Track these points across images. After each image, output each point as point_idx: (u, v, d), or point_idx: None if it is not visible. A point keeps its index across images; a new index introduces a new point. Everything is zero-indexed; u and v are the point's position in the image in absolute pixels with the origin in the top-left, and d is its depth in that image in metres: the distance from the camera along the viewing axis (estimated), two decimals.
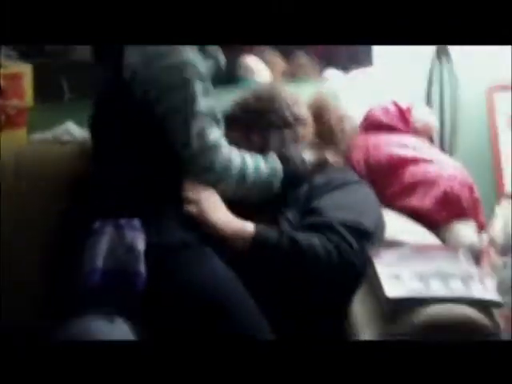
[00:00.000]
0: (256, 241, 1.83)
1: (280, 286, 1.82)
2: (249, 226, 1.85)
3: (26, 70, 2.45)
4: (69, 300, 1.71)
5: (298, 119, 2.03)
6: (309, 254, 1.78)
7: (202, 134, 1.80)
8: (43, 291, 1.80)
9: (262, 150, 1.98)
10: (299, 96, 2.08)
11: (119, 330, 1.63)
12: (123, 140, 1.84)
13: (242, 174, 1.85)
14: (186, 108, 1.80)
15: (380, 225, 1.95)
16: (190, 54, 1.83)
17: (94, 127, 1.98)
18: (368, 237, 1.84)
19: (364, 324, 1.64)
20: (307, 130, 2.05)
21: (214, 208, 1.86)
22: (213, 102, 1.85)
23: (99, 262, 1.67)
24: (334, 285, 1.81)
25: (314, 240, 1.80)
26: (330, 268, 1.78)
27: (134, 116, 1.83)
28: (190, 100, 1.80)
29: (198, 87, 1.80)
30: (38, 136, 2.41)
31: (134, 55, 1.84)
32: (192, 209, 1.83)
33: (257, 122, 2.01)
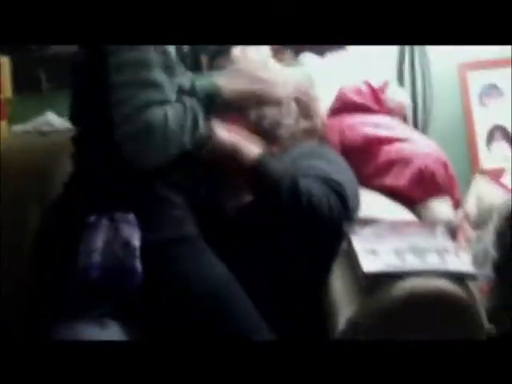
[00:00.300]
0: (259, 163, 1.82)
1: (270, 232, 1.84)
2: (255, 149, 1.85)
3: (3, 62, 2.49)
4: (63, 297, 1.68)
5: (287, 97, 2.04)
6: (304, 199, 1.77)
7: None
8: (35, 289, 1.77)
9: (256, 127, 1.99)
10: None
11: (110, 334, 1.63)
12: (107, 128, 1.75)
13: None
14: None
15: (357, 200, 1.96)
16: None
17: (76, 116, 1.91)
18: (348, 206, 1.84)
19: (342, 300, 1.68)
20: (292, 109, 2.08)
21: (222, 128, 1.86)
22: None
23: (95, 258, 1.64)
24: (318, 237, 1.83)
25: (315, 188, 1.80)
26: (321, 219, 1.78)
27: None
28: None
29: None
30: (18, 127, 2.45)
31: None
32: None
33: (249, 103, 1.98)
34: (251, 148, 1.86)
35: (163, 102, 1.68)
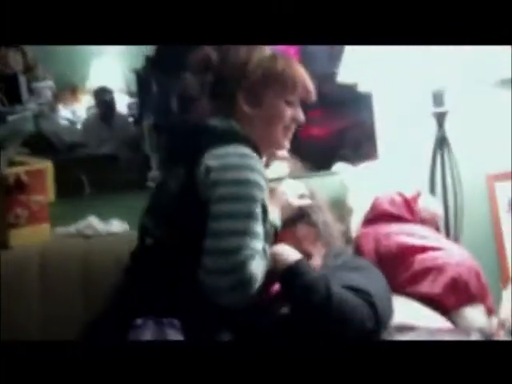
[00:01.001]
0: (296, 265, 1.90)
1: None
2: (297, 254, 1.94)
3: (47, 166, 2.56)
4: None
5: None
6: (336, 306, 1.83)
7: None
8: None
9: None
10: None
11: None
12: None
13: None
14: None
15: (389, 309, 2.01)
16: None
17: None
18: (379, 316, 1.88)
19: None
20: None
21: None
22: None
23: None
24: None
25: (348, 297, 1.85)
26: (350, 329, 1.83)
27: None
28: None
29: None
30: (61, 230, 2.51)
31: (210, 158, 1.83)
32: None
33: None
34: (290, 253, 1.93)
35: (260, 252, 1.76)
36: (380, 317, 1.88)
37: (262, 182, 1.80)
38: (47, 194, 2.52)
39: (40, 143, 2.82)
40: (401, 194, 2.43)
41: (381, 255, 2.28)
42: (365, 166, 2.64)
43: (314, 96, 2.02)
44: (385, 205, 2.41)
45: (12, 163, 2.52)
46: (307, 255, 2.01)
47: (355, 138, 2.83)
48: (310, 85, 2.01)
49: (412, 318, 2.04)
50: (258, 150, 1.86)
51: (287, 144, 2.02)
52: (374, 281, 2.03)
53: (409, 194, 2.44)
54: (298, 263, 1.91)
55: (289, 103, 1.98)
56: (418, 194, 2.45)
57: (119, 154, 2.88)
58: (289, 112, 1.98)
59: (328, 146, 2.83)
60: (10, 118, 2.62)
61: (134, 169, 2.83)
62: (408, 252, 2.27)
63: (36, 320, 2.26)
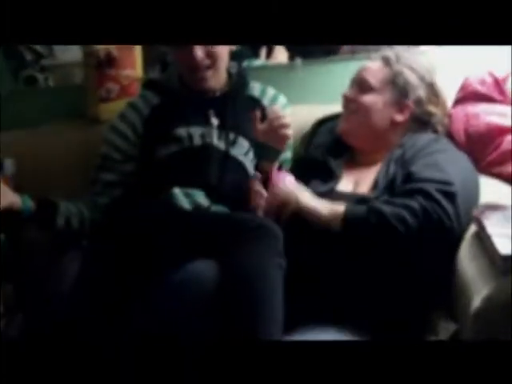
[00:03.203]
0: (347, 218, 1.96)
1: (378, 262, 1.95)
2: (339, 206, 1.99)
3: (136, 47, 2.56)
4: None
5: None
6: (396, 224, 1.90)
7: None
8: None
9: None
10: None
11: None
12: None
13: None
14: None
15: (475, 187, 2.07)
16: None
17: None
18: (455, 199, 1.93)
19: (477, 281, 1.75)
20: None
21: (308, 197, 2.03)
22: None
23: None
24: (429, 251, 1.93)
25: (404, 209, 1.91)
26: (423, 234, 1.90)
27: None
28: None
29: None
30: None
31: None
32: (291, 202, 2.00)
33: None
34: (336, 206, 2.00)
35: None
36: (458, 207, 1.92)
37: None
38: (136, 68, 2.55)
39: None
40: (491, 74, 2.40)
41: (469, 135, 2.28)
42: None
43: None
44: (475, 84, 2.39)
45: None
46: None
47: None
48: None
49: (498, 198, 2.06)
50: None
51: None
52: (455, 162, 2.07)
53: (500, 75, 2.41)
54: (346, 213, 1.96)
55: None
56: (508, 75, 2.42)
57: None
58: None
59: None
60: None
61: None
62: (497, 132, 2.26)
63: None
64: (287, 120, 2.11)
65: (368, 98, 2.20)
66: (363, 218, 1.94)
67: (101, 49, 2.44)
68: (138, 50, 2.53)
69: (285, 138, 2.12)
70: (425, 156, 2.06)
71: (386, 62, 2.21)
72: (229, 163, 2.21)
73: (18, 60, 2.59)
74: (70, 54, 2.55)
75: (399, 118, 2.20)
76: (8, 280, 2.00)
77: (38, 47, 2.58)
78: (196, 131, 2.23)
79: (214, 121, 2.25)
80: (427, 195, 1.91)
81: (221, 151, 2.21)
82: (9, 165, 2.22)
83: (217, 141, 2.23)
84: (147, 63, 2.60)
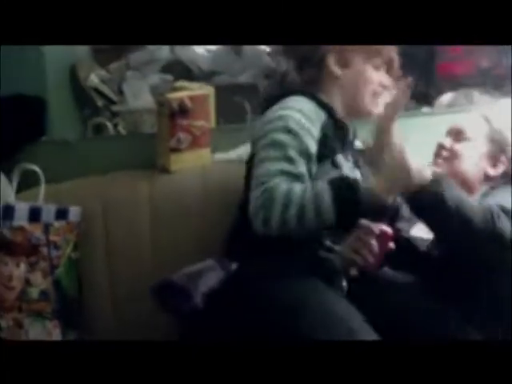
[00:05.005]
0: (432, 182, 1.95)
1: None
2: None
3: (210, 92, 2.55)
4: None
5: None
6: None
7: None
8: None
9: None
10: None
11: None
12: None
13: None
14: None
15: None
16: None
17: None
18: None
19: None
20: None
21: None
22: None
23: None
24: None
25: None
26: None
27: None
28: None
29: None
30: (221, 156, 2.50)
31: None
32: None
33: None
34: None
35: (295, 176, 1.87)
36: None
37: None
38: (209, 119, 2.51)
39: (179, 70, 2.86)
40: None
41: None
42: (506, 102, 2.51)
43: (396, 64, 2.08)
44: None
45: (174, 88, 2.53)
46: None
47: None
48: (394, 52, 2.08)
49: None
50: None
51: (375, 109, 2.05)
52: None
53: None
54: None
55: (376, 67, 2.05)
56: None
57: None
58: (376, 76, 2.05)
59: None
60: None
61: None
62: None
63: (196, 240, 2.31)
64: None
65: (464, 146, 2.22)
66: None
67: (174, 99, 2.40)
68: (211, 100, 2.51)
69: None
70: None
71: (486, 118, 2.24)
72: None
73: (90, 108, 2.58)
74: (141, 100, 2.54)
75: (492, 172, 2.21)
76: None
77: (111, 94, 2.57)
78: None
79: None
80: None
81: None
82: (74, 212, 2.21)
83: None
84: (220, 114, 2.56)
